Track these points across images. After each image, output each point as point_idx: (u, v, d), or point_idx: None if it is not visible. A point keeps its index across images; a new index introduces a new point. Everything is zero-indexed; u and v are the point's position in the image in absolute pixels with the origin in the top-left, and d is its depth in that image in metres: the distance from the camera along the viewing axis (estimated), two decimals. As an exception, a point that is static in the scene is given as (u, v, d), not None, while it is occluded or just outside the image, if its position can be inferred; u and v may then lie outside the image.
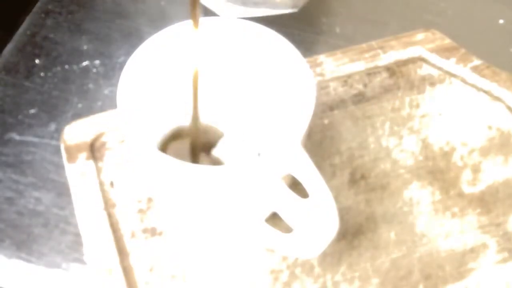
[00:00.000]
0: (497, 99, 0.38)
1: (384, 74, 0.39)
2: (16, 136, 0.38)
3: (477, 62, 0.39)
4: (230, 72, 0.33)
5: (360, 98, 0.38)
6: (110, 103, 0.39)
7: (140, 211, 0.33)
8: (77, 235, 0.33)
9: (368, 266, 0.32)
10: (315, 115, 0.28)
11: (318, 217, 0.27)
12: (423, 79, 0.39)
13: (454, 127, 0.37)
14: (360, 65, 0.39)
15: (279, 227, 0.29)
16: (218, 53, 0.32)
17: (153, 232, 0.33)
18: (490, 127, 0.37)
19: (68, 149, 0.35)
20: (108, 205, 0.33)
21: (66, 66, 0.41)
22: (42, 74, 0.41)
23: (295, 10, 0.43)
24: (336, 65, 0.39)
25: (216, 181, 0.27)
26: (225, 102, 0.34)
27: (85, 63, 0.41)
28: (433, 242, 0.33)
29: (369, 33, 0.43)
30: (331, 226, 0.27)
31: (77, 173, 0.34)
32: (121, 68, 0.29)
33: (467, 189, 0.35)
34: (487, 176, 0.35)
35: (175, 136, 0.35)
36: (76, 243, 0.33)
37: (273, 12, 0.43)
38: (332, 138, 0.36)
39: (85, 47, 0.42)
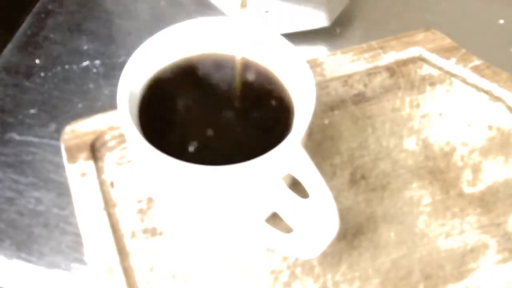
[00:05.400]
0: (497, 99, 0.38)
1: (384, 74, 0.39)
2: (16, 136, 0.38)
3: (477, 62, 0.39)
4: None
5: (360, 98, 0.38)
6: (110, 103, 0.38)
7: (140, 211, 0.33)
8: (77, 235, 0.33)
9: (368, 266, 0.32)
10: (315, 115, 0.28)
11: (318, 217, 0.27)
12: (423, 79, 0.39)
13: (454, 127, 0.37)
14: (360, 65, 0.39)
15: (279, 227, 0.29)
16: (218, 53, 0.32)
17: (153, 232, 0.33)
18: (490, 127, 0.37)
19: (68, 149, 0.35)
20: (108, 205, 0.33)
21: (66, 66, 0.41)
22: (42, 74, 0.41)
23: (327, 24, 0.42)
24: (336, 65, 0.39)
25: (216, 181, 0.27)
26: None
27: (85, 63, 0.41)
28: (433, 242, 0.33)
29: (369, 33, 0.43)
30: (331, 226, 0.27)
31: (77, 173, 0.34)
32: (121, 68, 0.29)
33: (467, 189, 0.35)
34: (487, 176, 0.35)
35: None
36: (76, 243, 0.33)
37: (306, 28, 0.42)
38: (332, 138, 0.36)
39: (85, 47, 0.42)
